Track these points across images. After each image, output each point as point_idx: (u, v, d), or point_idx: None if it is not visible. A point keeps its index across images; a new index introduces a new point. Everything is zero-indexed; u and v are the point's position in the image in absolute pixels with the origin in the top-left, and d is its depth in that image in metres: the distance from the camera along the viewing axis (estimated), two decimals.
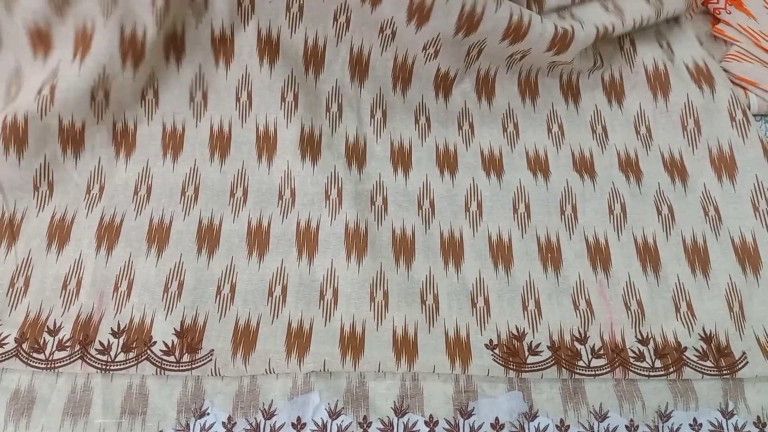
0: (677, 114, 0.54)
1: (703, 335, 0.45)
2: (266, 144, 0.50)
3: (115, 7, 0.45)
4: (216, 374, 0.43)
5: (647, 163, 0.52)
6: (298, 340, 0.43)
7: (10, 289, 0.45)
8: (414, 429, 0.43)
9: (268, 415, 0.42)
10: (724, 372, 0.43)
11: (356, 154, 0.51)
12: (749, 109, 0.56)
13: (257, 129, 0.51)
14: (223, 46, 0.50)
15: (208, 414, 0.42)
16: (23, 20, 0.45)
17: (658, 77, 0.55)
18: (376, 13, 0.49)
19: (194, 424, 0.42)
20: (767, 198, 0.50)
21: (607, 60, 0.57)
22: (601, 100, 0.55)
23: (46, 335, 0.43)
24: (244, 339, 0.44)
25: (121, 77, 0.47)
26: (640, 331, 0.45)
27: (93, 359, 0.42)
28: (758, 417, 0.43)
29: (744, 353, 0.44)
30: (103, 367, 0.42)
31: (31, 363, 0.42)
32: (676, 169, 0.52)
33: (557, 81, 0.56)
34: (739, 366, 0.43)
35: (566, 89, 0.56)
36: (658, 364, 0.43)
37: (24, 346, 0.42)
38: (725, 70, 0.57)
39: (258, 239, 0.47)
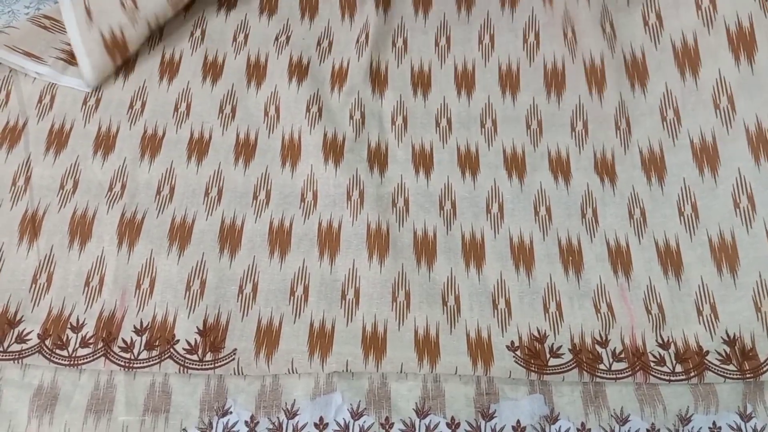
0: (708, 92, 0.50)
1: (726, 338, 0.45)
2: (291, 151, 0.52)
3: (159, 38, 0.56)
4: (239, 373, 0.43)
5: (672, 154, 0.50)
6: (321, 340, 0.43)
7: (33, 285, 0.44)
8: (436, 430, 0.43)
9: (291, 414, 0.43)
10: (748, 375, 0.43)
11: (378, 158, 0.51)
12: None
13: (282, 138, 0.52)
14: (256, 70, 0.56)
15: (231, 413, 0.42)
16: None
17: (686, 53, 0.51)
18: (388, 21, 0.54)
19: (217, 423, 0.42)
20: None
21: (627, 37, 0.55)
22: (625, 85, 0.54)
23: (69, 332, 0.43)
24: (267, 338, 0.44)
25: (157, 90, 0.53)
26: (660, 335, 0.45)
27: (116, 357, 0.42)
28: None
29: None
30: (126, 364, 0.42)
31: (54, 359, 0.42)
32: (706, 156, 0.49)
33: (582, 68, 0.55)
34: (764, 369, 0.43)
35: (590, 76, 0.54)
36: (679, 368, 0.43)
37: (47, 342, 0.42)
38: None
39: (280, 239, 0.47)
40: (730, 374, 0.43)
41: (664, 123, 0.51)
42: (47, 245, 0.46)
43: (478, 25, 0.57)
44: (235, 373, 0.43)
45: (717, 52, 0.50)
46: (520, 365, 0.43)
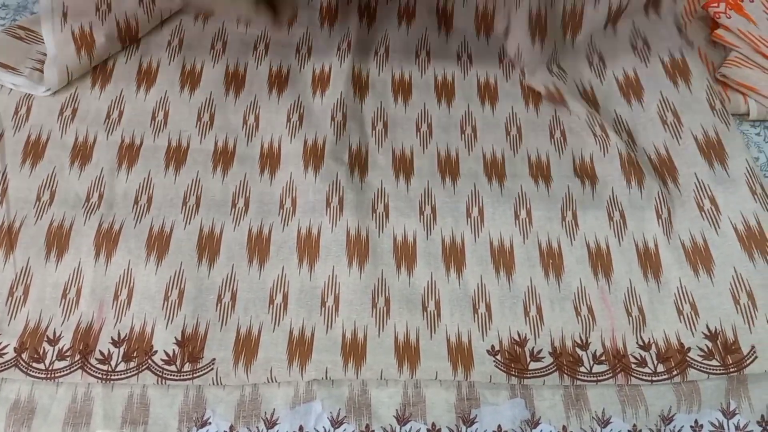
0: (654, 111, 0.55)
1: (708, 333, 0.44)
2: (270, 159, 0.52)
3: (136, 47, 0.57)
4: (217, 384, 0.42)
5: (644, 164, 0.52)
6: (300, 348, 0.43)
7: (9, 298, 0.44)
8: None
9: (270, 424, 0.42)
10: (732, 370, 0.43)
11: (359, 163, 0.51)
12: (748, 116, 0.56)
13: (262, 146, 0.52)
14: (235, 79, 0.56)
15: (210, 423, 0.42)
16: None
17: (629, 84, 0.56)
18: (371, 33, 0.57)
19: None
20: (760, 182, 0.50)
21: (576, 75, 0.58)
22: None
23: (45, 345, 0.42)
24: (246, 348, 0.43)
25: (134, 100, 0.54)
26: (641, 337, 0.45)
27: (93, 369, 0.42)
28: (762, 416, 0.43)
29: (753, 347, 0.43)
30: (104, 376, 0.42)
31: (31, 373, 0.41)
32: (666, 167, 0.52)
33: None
34: (748, 362, 0.43)
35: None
36: (660, 368, 0.43)
37: (24, 355, 0.42)
38: (724, 76, 0.57)
39: (258, 247, 0.47)
40: (713, 370, 0.43)
41: (630, 139, 0.54)
42: (24, 257, 0.46)
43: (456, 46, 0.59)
44: (213, 384, 0.42)
45: (658, 80, 0.56)
46: (501, 369, 0.43)
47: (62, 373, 0.42)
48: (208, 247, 0.47)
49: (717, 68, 0.58)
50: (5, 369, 0.41)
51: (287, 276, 0.46)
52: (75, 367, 0.42)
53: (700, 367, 0.43)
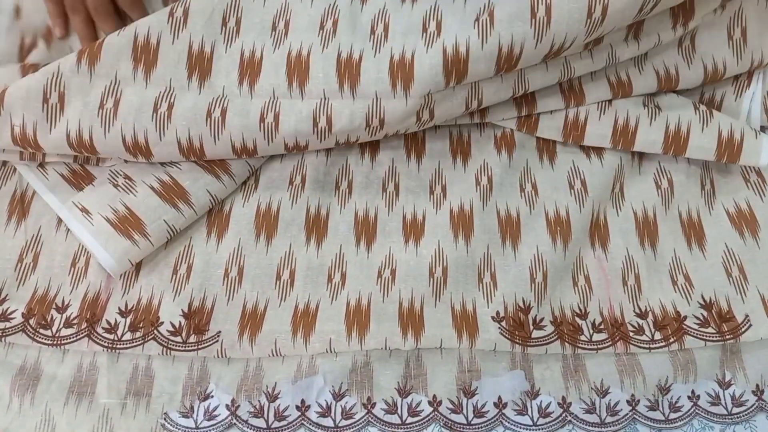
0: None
1: (703, 302, 0.46)
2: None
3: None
4: (222, 356, 0.43)
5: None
6: (304, 320, 0.44)
7: (19, 265, 0.45)
8: (418, 409, 0.43)
9: (272, 398, 0.43)
10: (728, 337, 0.44)
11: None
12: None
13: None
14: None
15: (212, 397, 0.42)
16: None
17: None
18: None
19: (198, 407, 0.42)
20: (755, 169, 0.51)
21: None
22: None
23: (53, 312, 0.43)
24: (251, 321, 0.44)
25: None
26: (638, 305, 0.46)
27: (99, 337, 0.42)
28: (757, 385, 0.44)
29: (747, 316, 0.45)
30: (110, 345, 0.42)
31: (37, 339, 0.42)
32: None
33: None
34: (743, 329, 0.44)
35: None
36: (658, 336, 0.44)
37: (31, 321, 0.42)
38: None
39: (266, 223, 0.48)
40: (709, 337, 0.44)
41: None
42: (35, 225, 0.46)
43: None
44: (218, 356, 0.43)
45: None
46: (505, 337, 0.44)
47: (69, 341, 0.42)
48: (217, 222, 0.48)
49: None
50: (12, 333, 0.42)
51: (294, 253, 0.47)
52: (81, 335, 0.42)
53: (697, 334, 0.45)
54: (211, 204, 0.47)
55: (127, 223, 0.44)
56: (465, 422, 0.43)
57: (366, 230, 0.48)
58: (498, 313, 0.45)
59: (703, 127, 0.48)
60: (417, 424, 0.43)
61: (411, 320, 0.44)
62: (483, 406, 0.43)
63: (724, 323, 0.45)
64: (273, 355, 0.43)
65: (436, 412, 0.43)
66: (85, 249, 0.46)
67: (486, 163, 0.51)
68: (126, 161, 0.47)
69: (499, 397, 0.43)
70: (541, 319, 0.45)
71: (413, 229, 0.48)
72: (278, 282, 0.46)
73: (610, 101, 0.50)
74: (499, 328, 0.44)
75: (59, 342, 0.42)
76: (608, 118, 0.49)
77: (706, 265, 0.47)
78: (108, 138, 0.44)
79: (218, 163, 0.47)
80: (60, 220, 0.47)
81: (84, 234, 0.44)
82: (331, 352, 0.43)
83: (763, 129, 0.53)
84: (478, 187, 0.50)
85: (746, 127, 0.49)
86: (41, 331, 0.42)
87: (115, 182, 0.46)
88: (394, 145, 0.52)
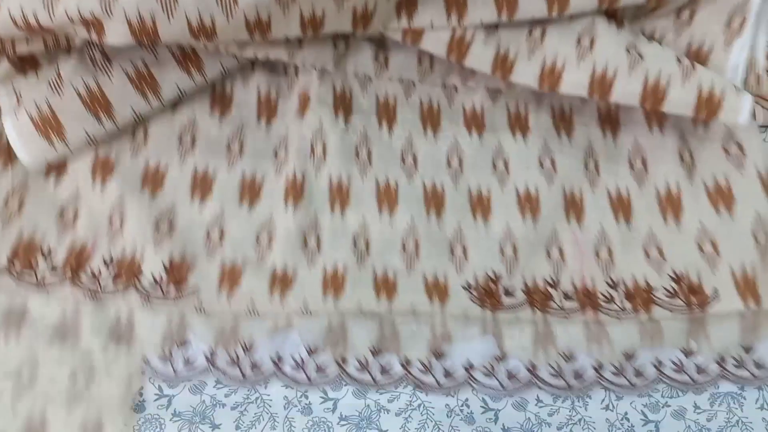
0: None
1: (673, 276, 0.46)
2: (267, 106, 0.52)
3: None
4: (200, 310, 0.44)
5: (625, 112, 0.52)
6: (282, 281, 0.45)
7: (5, 208, 0.46)
8: (389, 369, 0.44)
9: (248, 349, 0.44)
10: (695, 309, 0.45)
11: (344, 105, 0.53)
12: (755, 120, 0.54)
13: (259, 93, 0.53)
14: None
15: (191, 346, 0.44)
16: None
17: None
18: None
19: (177, 354, 0.44)
20: (737, 141, 0.50)
21: None
22: None
23: (39, 258, 0.45)
24: (229, 278, 0.45)
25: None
26: (610, 277, 0.46)
27: (83, 285, 0.44)
28: (720, 354, 0.44)
29: (716, 290, 0.45)
30: (92, 292, 0.44)
31: (22, 281, 0.44)
32: (656, 118, 0.51)
33: None
34: (711, 302, 0.45)
35: None
36: (627, 305, 0.45)
37: (16, 265, 0.44)
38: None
39: (251, 190, 0.49)
40: (677, 308, 0.45)
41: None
42: (23, 171, 0.47)
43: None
44: (196, 309, 0.44)
45: None
46: (475, 303, 0.45)
47: (53, 285, 0.44)
48: (202, 186, 0.49)
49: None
50: None
51: (275, 220, 0.48)
52: (65, 281, 0.44)
53: (665, 305, 0.45)
54: (134, 121, 0.48)
55: (48, 125, 0.45)
56: (434, 383, 0.44)
57: (341, 196, 0.49)
58: (469, 283, 0.46)
59: (684, 82, 0.46)
60: (388, 383, 0.44)
61: (385, 286, 0.45)
62: (453, 368, 0.44)
63: (693, 296, 0.45)
64: (248, 312, 0.45)
65: (406, 373, 0.44)
66: (74, 200, 0.47)
67: (458, 143, 0.52)
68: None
69: (469, 361, 0.44)
70: (513, 288, 0.46)
71: (387, 198, 0.49)
72: (258, 245, 0.47)
73: (590, 46, 0.47)
74: (470, 295, 0.45)
75: (44, 287, 0.44)
76: (587, 65, 0.46)
77: (680, 240, 0.48)
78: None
79: (147, 81, 0.47)
80: (47, 170, 0.48)
81: (8, 125, 0.45)
82: (306, 312, 0.45)
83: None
84: (449, 168, 0.51)
85: (728, 84, 0.46)
86: (26, 275, 0.44)
87: (48, 79, 0.46)
88: (366, 110, 0.52)
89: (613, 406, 0.45)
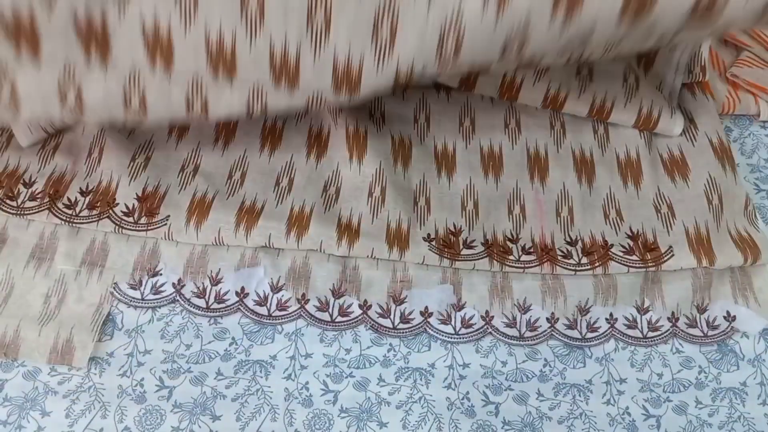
0: None
1: (630, 234, 0.47)
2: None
3: None
4: (169, 238, 0.46)
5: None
6: (248, 215, 0.46)
7: None
8: (348, 310, 0.45)
9: (215, 281, 0.46)
10: (650, 264, 0.45)
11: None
12: (758, 117, 0.55)
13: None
14: None
15: (161, 274, 0.46)
16: None
17: None
18: None
19: (146, 281, 0.45)
20: (689, 116, 0.52)
21: None
22: None
23: (20, 186, 0.47)
24: (199, 209, 0.46)
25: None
26: (569, 234, 0.47)
27: (59, 211, 0.46)
28: (672, 312, 0.44)
29: (670, 247, 0.45)
30: (68, 219, 0.46)
31: (3, 207, 0.46)
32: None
33: None
34: (665, 259, 0.45)
35: None
36: (584, 260, 0.45)
37: None
38: (735, 75, 0.55)
39: (226, 129, 0.50)
40: (633, 264, 0.45)
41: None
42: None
43: None
44: (165, 238, 0.46)
45: None
46: (434, 252, 0.45)
47: (31, 212, 0.46)
48: (179, 125, 0.50)
49: (728, 67, 0.56)
50: None
51: (248, 158, 0.49)
52: (43, 208, 0.46)
53: (621, 260, 0.45)
54: None
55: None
56: (391, 326, 0.45)
57: (318, 144, 0.50)
58: (429, 234, 0.46)
59: (626, 103, 0.51)
60: (345, 323, 0.45)
61: (348, 231, 0.46)
62: (410, 313, 0.45)
63: (648, 252, 0.45)
64: (216, 244, 0.46)
65: (365, 315, 0.45)
66: (55, 135, 0.49)
67: (425, 99, 0.52)
68: None
69: (426, 307, 0.45)
70: (472, 241, 0.46)
71: (356, 143, 0.49)
72: (229, 180, 0.48)
73: (546, 69, 0.51)
74: (429, 246, 0.45)
75: (22, 212, 0.46)
76: (542, 85, 0.51)
77: (638, 203, 0.48)
78: None
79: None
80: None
81: None
82: (269, 246, 0.46)
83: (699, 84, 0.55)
84: (416, 125, 0.52)
85: (665, 104, 0.51)
86: (7, 201, 0.46)
87: None
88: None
89: (615, 401, 0.43)
